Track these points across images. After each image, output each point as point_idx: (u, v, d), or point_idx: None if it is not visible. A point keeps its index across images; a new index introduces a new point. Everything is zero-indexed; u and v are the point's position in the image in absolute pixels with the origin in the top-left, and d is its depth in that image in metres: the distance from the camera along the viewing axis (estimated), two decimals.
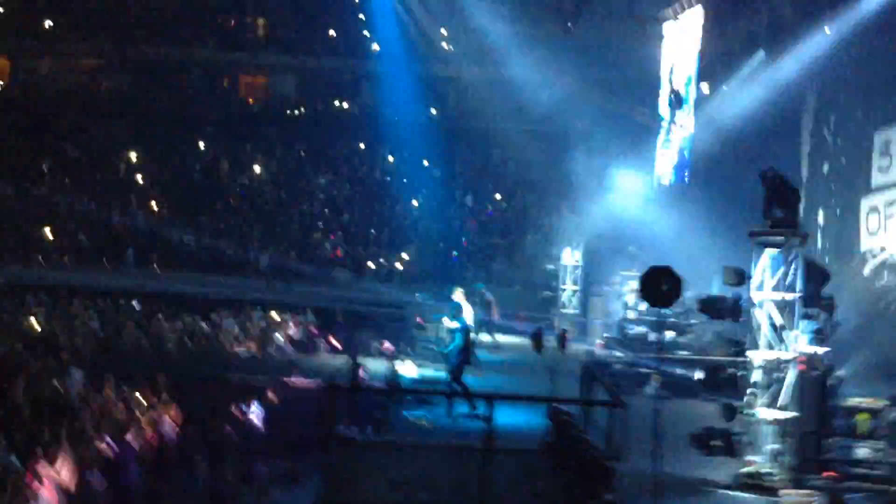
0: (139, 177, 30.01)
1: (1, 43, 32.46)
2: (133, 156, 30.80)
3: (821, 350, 11.04)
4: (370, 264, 26.96)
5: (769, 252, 10.57)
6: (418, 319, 19.93)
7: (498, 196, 31.46)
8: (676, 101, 23.82)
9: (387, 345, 18.75)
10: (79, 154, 30.92)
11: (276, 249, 27.04)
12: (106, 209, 27.54)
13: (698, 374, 10.96)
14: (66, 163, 30.33)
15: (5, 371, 13.74)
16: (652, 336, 16.56)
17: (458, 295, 15.00)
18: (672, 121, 24.28)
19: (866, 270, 19.53)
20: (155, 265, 25.45)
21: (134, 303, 20.95)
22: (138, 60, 33.04)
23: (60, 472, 9.77)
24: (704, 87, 23.53)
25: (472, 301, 15.73)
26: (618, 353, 17.17)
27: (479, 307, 15.62)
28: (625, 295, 19.13)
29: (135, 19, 33.15)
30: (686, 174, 23.67)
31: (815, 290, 10.82)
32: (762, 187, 10.66)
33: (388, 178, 31.54)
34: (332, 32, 33.44)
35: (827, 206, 21.21)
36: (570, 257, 22.03)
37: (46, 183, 28.71)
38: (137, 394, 12.67)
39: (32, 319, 18.65)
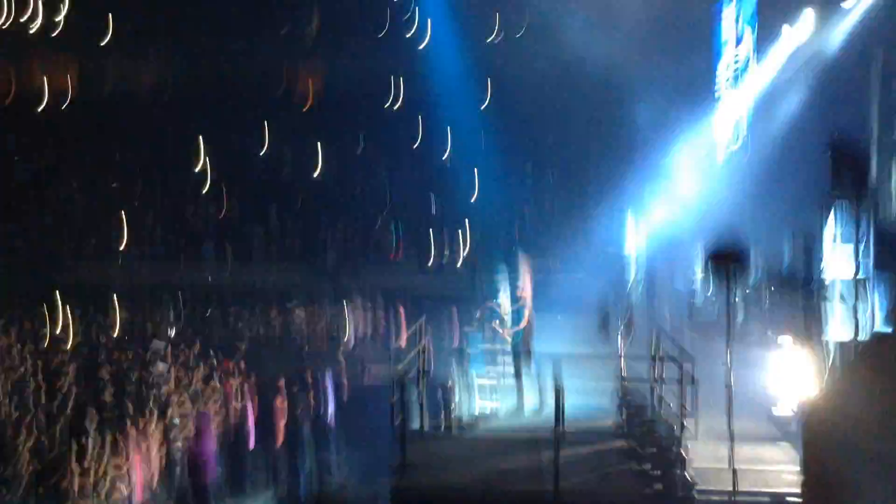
0: (209, 176, 30.62)
1: (69, 53, 33.38)
2: (202, 155, 31.42)
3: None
4: (433, 256, 27.15)
5: (840, 222, 10.30)
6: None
7: (556, 179, 31.20)
8: (735, 67, 23.19)
9: (456, 334, 18.91)
10: (150, 156, 31.73)
11: (342, 244, 27.49)
12: (181, 208, 28.43)
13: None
14: (138, 164, 31.15)
15: (93, 366, 14.36)
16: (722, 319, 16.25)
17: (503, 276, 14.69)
18: (730, 88, 23.67)
19: None
20: (228, 260, 26.13)
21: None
22: (203, 59, 33.54)
23: (149, 448, 10.19)
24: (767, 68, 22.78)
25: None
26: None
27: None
28: (692, 274, 18.85)
29: (198, 19, 33.71)
30: (748, 143, 23.07)
31: (889, 264, 10.50)
32: (828, 152, 10.39)
33: (446, 169, 31.57)
34: (385, 24, 33.54)
35: None
36: (634, 239, 21.78)
37: (120, 185, 29.55)
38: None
39: (117, 315, 19.48)
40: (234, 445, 11.87)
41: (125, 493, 9.91)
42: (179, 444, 11.03)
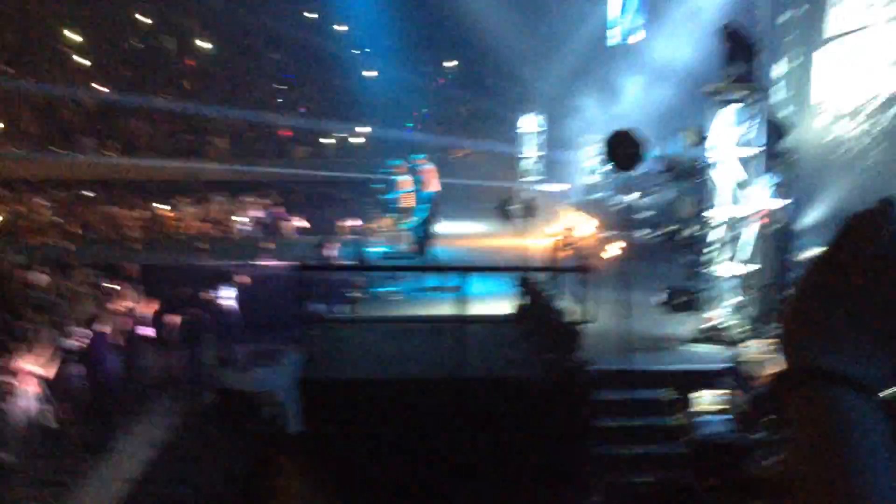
0: (83, 59, 28.79)
1: None
2: (76, 38, 29.44)
3: (781, 204, 11.31)
4: (330, 139, 26.60)
5: (730, 108, 10.59)
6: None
7: (455, 63, 30.82)
8: None
9: (353, 221, 18.83)
10: (18, 38, 29.48)
11: (233, 130, 26.51)
12: (54, 94, 26.55)
13: (660, 299, 11.07)
14: (4, 47, 28.95)
15: None
16: (614, 199, 16.74)
17: (400, 168, 15.02)
18: None
19: (821, 122, 19.72)
20: (111, 152, 24.85)
21: (96, 193, 20.64)
22: None
23: (38, 364, 9.89)
24: None
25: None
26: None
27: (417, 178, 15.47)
28: (588, 159, 19.18)
29: None
30: (641, 29, 23.23)
31: (775, 145, 10.95)
32: (720, 43, 10.56)
33: (342, 49, 30.62)
34: None
35: (785, 56, 21.12)
36: (532, 123, 21.85)
37: None
38: (107, 283, 12.70)
39: None
40: (130, 347, 11.61)
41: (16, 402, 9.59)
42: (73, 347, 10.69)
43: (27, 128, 25.18)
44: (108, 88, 27.60)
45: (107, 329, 11.05)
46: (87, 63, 28.74)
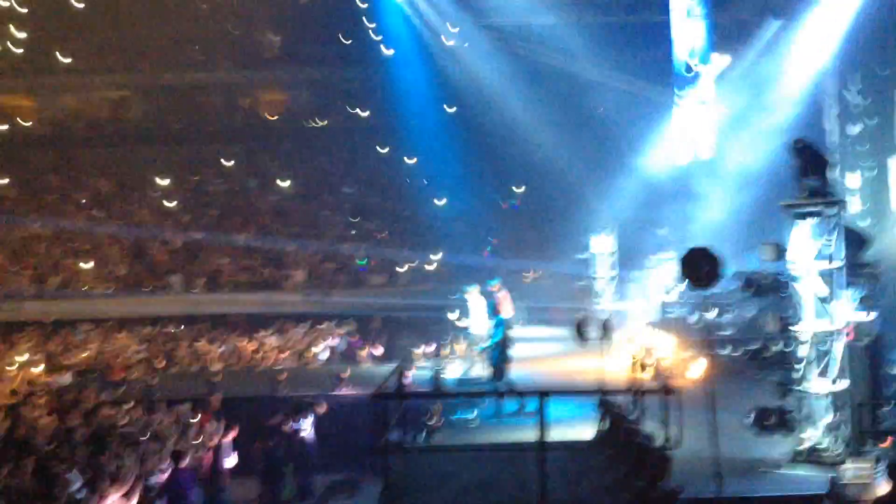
0: (172, 203, 30.39)
1: (23, 82, 33.06)
2: (163, 182, 31.22)
3: (868, 317, 10.92)
4: (404, 268, 27.06)
5: (807, 222, 10.44)
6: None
7: (522, 188, 31.41)
8: (689, 74, 23.60)
9: (428, 347, 18.88)
10: (111, 186, 31.42)
11: (310, 262, 27.25)
12: (144, 237, 27.96)
13: (747, 354, 10.83)
14: (99, 195, 30.84)
15: (63, 405, 14.05)
16: (693, 317, 16.44)
17: (474, 293, 15.13)
18: (686, 94, 24.03)
19: None
20: (196, 289, 25.72)
21: (181, 328, 21.31)
22: (158, 87, 33.54)
23: (123, 500, 9.98)
24: (722, 59, 23.28)
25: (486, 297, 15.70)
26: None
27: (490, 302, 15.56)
28: (664, 277, 18.98)
29: (151, 47, 33.57)
30: (712, 149, 23.45)
31: (857, 256, 10.69)
32: (793, 157, 10.53)
33: (413, 181, 31.59)
34: (343, 41, 33.57)
35: (858, 168, 20.94)
36: (603, 244, 21.89)
37: (83, 217, 29.20)
38: (190, 417, 12.90)
39: (82, 353, 19.03)
40: (212, 479, 11.68)
41: None
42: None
43: (116, 268, 26.39)
44: (192, 227, 28.92)
45: (189, 463, 11.15)
46: (173, 204, 30.30)
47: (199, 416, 12.77)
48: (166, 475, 11.04)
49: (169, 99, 33.89)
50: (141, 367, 17.91)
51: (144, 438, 11.95)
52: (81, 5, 31.25)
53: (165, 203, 30.38)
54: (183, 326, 21.91)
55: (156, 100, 34.04)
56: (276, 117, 34.52)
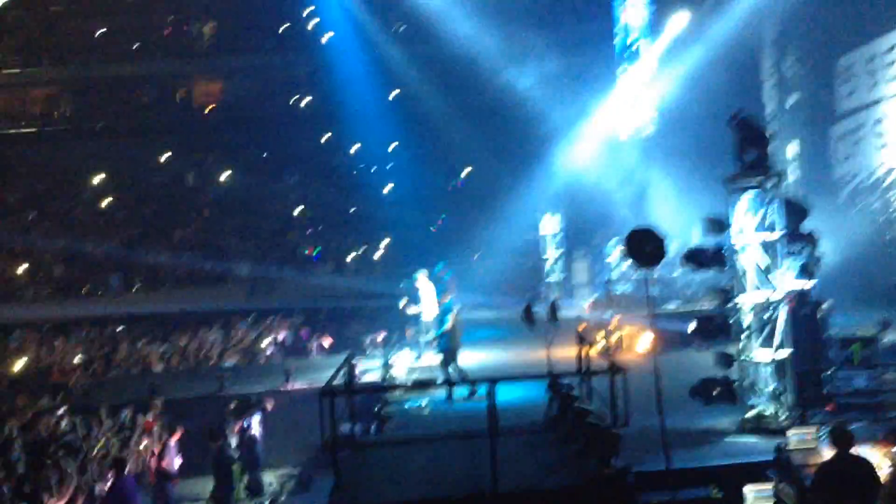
0: (106, 201, 29.58)
1: None
2: (98, 179, 30.37)
3: (808, 285, 11.07)
4: (350, 257, 26.80)
5: (747, 195, 10.52)
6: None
7: (469, 169, 31.34)
8: (631, 53, 23.72)
9: (379, 336, 18.71)
10: (44, 185, 30.47)
11: (254, 255, 26.81)
12: (79, 237, 27.13)
13: (691, 326, 10.90)
14: (32, 195, 29.88)
15: None
16: (640, 294, 16.55)
17: (422, 278, 15.01)
18: (629, 72, 24.16)
19: (841, 199, 19.63)
20: (135, 288, 25.13)
21: (119, 329, 20.76)
22: (89, 82, 32.56)
23: None
24: (681, 17, 23.31)
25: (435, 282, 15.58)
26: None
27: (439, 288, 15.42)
28: (608, 255, 19.08)
29: (81, 41, 32.57)
30: (653, 126, 23.61)
31: (796, 226, 10.80)
32: (732, 131, 10.58)
33: (357, 168, 31.29)
34: (281, 27, 33.00)
35: (796, 138, 21.27)
36: (550, 223, 21.93)
37: (15, 218, 28.27)
38: (133, 421, 12.56)
39: (17, 360, 18.43)
40: (158, 482, 11.38)
41: None
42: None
43: (51, 270, 25.64)
44: (129, 225, 28.21)
45: (133, 468, 10.84)
46: (109, 202, 29.51)
47: (142, 419, 12.44)
48: (109, 483, 10.72)
49: (101, 93, 32.91)
50: (81, 373, 17.41)
51: (85, 446, 11.61)
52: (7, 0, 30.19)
53: (101, 201, 29.58)
54: (123, 328, 21.32)
55: (87, 95, 33.05)
56: (211, 108, 33.84)
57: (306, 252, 27.26)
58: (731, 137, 10.56)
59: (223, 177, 31.23)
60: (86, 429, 12.47)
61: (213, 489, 12.30)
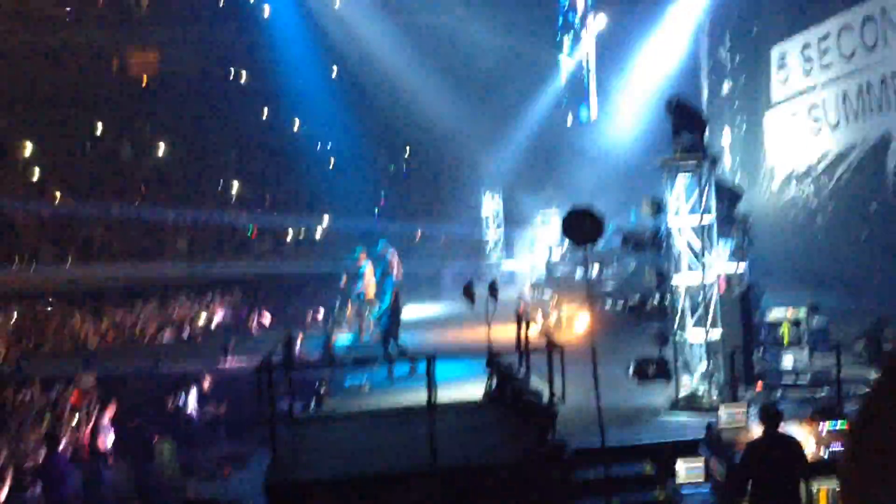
0: (39, 169, 28.65)
1: None
2: (30, 148, 29.38)
3: (740, 268, 11.38)
4: (290, 233, 26.54)
5: (682, 178, 10.73)
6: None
7: (408, 149, 31.27)
8: (571, 35, 23.94)
9: (318, 313, 18.62)
10: None
11: (193, 229, 26.34)
12: (8, 206, 26.23)
13: (626, 307, 11.14)
14: None
15: None
16: (578, 273, 16.79)
17: (363, 256, 15.01)
18: (570, 55, 24.38)
19: (774, 185, 20.16)
20: (68, 261, 24.43)
21: (53, 304, 20.22)
22: (20, 48, 31.38)
23: None
24: (598, 19, 23.64)
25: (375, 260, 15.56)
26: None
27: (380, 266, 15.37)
28: (548, 236, 19.30)
29: (10, 5, 31.34)
30: (591, 108, 23.90)
31: (730, 210, 11.08)
32: (669, 115, 10.77)
33: (298, 144, 30.93)
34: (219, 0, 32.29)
35: (731, 124, 21.73)
36: (491, 203, 22.06)
37: None
38: (64, 397, 12.28)
39: None
40: (90, 462, 11.17)
41: None
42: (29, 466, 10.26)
43: None
44: (62, 196, 27.40)
45: (64, 445, 10.62)
46: (39, 173, 28.61)
47: (74, 395, 12.17)
48: (40, 459, 10.49)
49: (33, 60, 31.77)
50: (11, 347, 16.93)
51: (16, 422, 11.33)
52: None
53: (32, 171, 28.64)
54: (55, 302, 20.75)
55: (18, 61, 31.86)
56: (148, 79, 32.96)
57: (246, 230, 26.89)
58: (669, 121, 10.75)
59: (160, 151, 30.53)
60: (16, 405, 12.15)
61: (139, 468, 12.03)
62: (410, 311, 16.02)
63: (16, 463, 10.38)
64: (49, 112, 30.44)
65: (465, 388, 11.06)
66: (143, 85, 32.72)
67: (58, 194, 27.19)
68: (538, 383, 9.21)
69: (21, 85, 31.38)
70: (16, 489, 10.19)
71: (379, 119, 32.09)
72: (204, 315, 19.12)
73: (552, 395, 8.72)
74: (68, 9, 31.79)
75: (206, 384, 13.08)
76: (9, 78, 31.65)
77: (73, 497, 10.26)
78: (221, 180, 29.41)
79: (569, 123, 24.18)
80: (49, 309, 20.18)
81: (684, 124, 10.64)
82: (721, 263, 10.73)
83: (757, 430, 7.55)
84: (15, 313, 19.77)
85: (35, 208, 26.49)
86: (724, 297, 10.67)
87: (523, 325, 10.46)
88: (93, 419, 11.52)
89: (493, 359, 10.34)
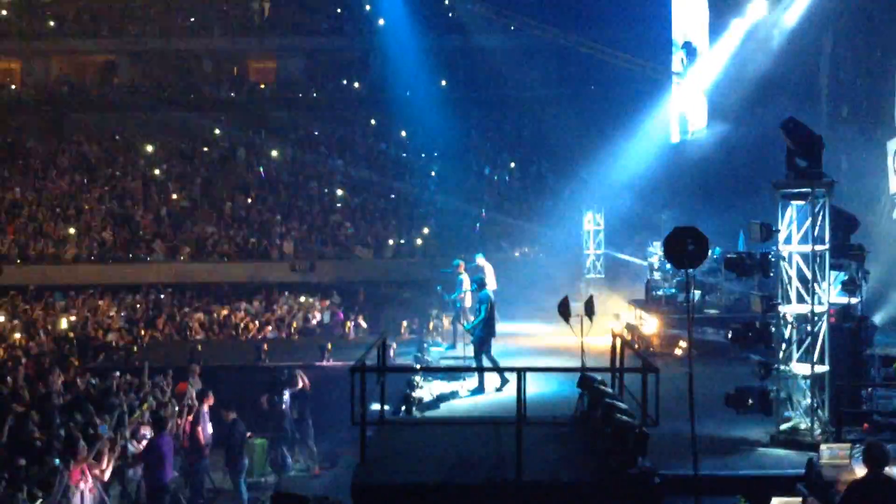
0: (157, 170, 30.09)
1: (10, 46, 32.58)
2: (150, 148, 30.90)
3: (852, 300, 10.87)
4: (390, 242, 26.89)
5: (795, 204, 10.34)
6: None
7: (513, 164, 31.26)
8: (689, 54, 23.45)
9: (413, 321, 18.81)
10: (97, 151, 31.08)
11: (298, 233, 27.06)
12: (128, 204, 27.63)
13: (730, 332, 10.78)
14: (84, 160, 30.51)
15: (40, 371, 13.93)
16: (680, 297, 16.39)
17: (461, 267, 15.06)
18: (685, 75, 23.90)
19: (895, 214, 19.18)
20: (181, 257, 25.50)
21: (162, 296, 21.15)
22: (146, 53, 33.13)
23: (97, 466, 9.91)
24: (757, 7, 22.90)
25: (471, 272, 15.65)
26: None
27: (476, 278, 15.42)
28: (650, 256, 18.92)
29: (139, 11, 33.13)
30: (705, 129, 23.35)
31: (844, 239, 10.62)
32: (784, 137, 10.40)
33: (404, 154, 31.38)
34: (337, 10, 33.22)
35: (850, 150, 20.81)
36: (591, 222, 21.80)
37: (67, 182, 28.88)
38: (170, 385, 12.80)
39: (63, 319, 18.88)
40: (191, 448, 11.63)
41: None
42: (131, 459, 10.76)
43: (100, 235, 26.14)
44: (178, 195, 28.64)
45: (167, 432, 11.06)
46: (159, 171, 30.01)
47: (181, 385, 12.68)
48: (146, 442, 10.97)
49: (157, 64, 33.47)
50: (122, 335, 17.78)
51: (123, 405, 11.87)
52: None
53: (152, 170, 30.09)
54: (165, 295, 21.74)
55: (144, 65, 33.63)
56: (265, 86, 34.19)
57: (347, 235, 27.42)
58: (785, 144, 10.38)
59: (273, 154, 31.58)
60: (124, 389, 12.74)
61: (225, 461, 12.39)
62: (505, 326, 15.99)
63: (123, 444, 10.88)
64: (169, 113, 31.96)
65: (555, 404, 10.95)
66: (260, 90, 33.94)
67: (174, 196, 28.47)
68: (631, 404, 9.02)
69: (146, 87, 33.06)
70: (120, 469, 10.69)
71: (485, 133, 32.24)
72: (304, 316, 19.60)
73: (645, 417, 8.53)
74: (192, 18, 33.33)
75: (302, 384, 13.39)
76: (135, 80, 33.41)
77: (172, 482, 10.68)
78: (328, 186, 30.11)
79: (677, 140, 23.68)
80: (160, 300, 21.13)
81: (800, 146, 10.26)
82: (832, 295, 10.27)
83: (860, 471, 7.18)
84: (130, 303, 20.80)
85: (154, 206, 27.82)
86: (834, 329, 10.20)
87: (619, 344, 10.27)
88: (194, 409, 11.97)
89: (585, 378, 10.19)
